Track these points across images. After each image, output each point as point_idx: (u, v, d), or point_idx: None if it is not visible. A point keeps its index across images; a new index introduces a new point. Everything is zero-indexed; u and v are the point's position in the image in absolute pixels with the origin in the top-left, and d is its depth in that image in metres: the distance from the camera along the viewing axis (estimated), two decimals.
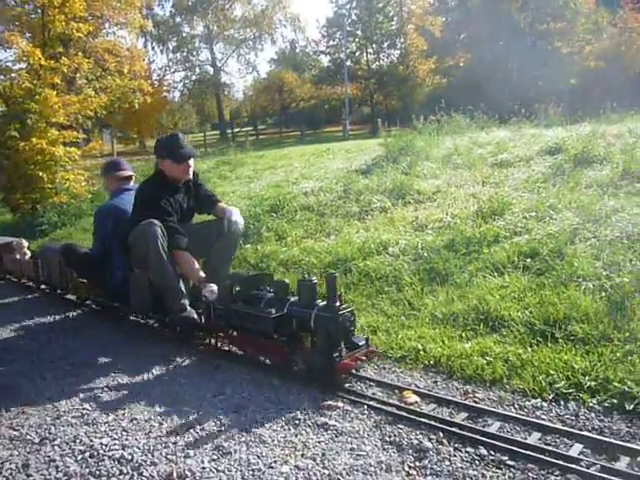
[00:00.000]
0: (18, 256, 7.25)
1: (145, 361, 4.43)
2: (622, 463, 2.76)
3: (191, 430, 3.45)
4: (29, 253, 7.37)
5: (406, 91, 37.65)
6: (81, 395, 4.08)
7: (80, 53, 18.12)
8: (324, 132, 38.23)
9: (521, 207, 6.60)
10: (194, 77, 46.51)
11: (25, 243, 7.47)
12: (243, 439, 3.28)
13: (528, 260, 5.29)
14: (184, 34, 45.53)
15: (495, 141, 10.50)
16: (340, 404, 3.56)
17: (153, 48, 45.10)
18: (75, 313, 5.93)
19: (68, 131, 13.87)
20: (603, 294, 4.53)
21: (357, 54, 43.38)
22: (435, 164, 9.23)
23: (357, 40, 42.69)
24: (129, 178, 5.53)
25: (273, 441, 3.23)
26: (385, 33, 41.64)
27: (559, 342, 4.03)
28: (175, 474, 3.00)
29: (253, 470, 2.98)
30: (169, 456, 3.19)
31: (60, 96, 13.85)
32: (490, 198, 6.87)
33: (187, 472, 3.01)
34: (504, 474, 2.80)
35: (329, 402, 3.58)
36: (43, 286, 6.89)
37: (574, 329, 4.11)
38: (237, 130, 48.10)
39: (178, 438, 3.38)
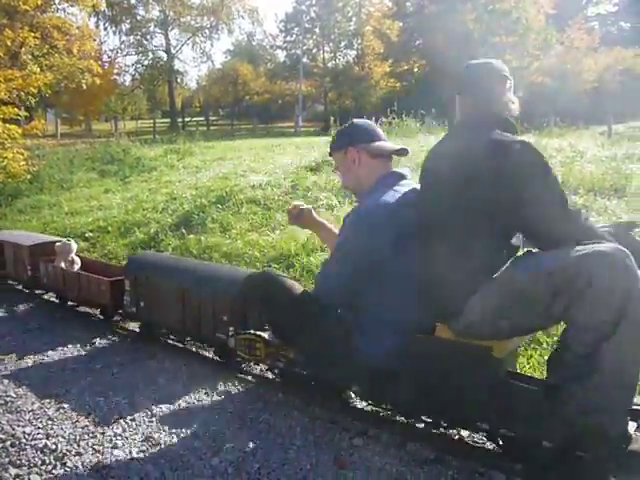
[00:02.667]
0: (63, 264, 5.33)
1: None
2: None
3: (120, 420, 3.38)
4: (78, 262, 5.48)
5: (360, 92, 37.97)
6: (5, 382, 3.92)
7: (26, 27, 17.39)
8: (276, 127, 38.12)
9: None
10: (146, 62, 45.40)
11: (74, 245, 5.48)
12: None
13: None
14: (139, 17, 44.37)
15: None
16: None
17: (105, 28, 43.71)
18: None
19: (8, 107, 13.27)
20: None
21: (314, 51, 43.47)
22: None
23: (314, 37, 42.77)
24: (390, 157, 3.10)
25: None
26: (343, 33, 41.87)
27: None
28: (101, 465, 2.93)
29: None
30: (95, 446, 3.11)
31: (2, 70, 13.24)
32: None
33: (114, 463, 2.94)
34: None
35: None
36: (118, 317, 4.97)
37: None
38: (188, 119, 47.30)
39: (106, 428, 3.30)
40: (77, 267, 5.42)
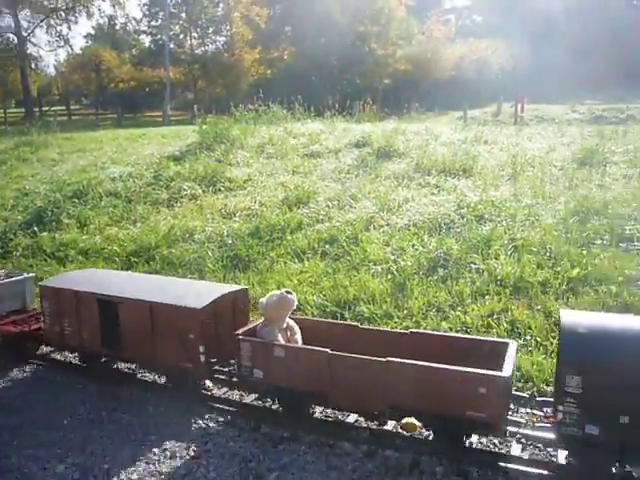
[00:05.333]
0: (281, 337, 3.38)
1: None
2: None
3: None
4: (297, 328, 3.55)
5: (231, 79, 37.44)
6: None
7: None
8: (144, 116, 36.51)
9: (326, 196, 6.93)
10: None
11: (294, 301, 3.52)
12: None
13: (327, 246, 5.58)
14: None
15: (309, 133, 10.86)
16: None
17: None
18: None
19: None
20: (389, 276, 4.95)
21: (181, 37, 42.04)
22: (249, 153, 9.30)
23: (181, 23, 41.37)
24: None
25: None
26: (210, 18, 40.84)
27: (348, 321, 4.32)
28: None
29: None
30: None
31: None
32: (297, 187, 7.11)
33: None
34: None
35: None
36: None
37: (361, 309, 4.44)
38: (46, 108, 43.96)
39: None
40: (298, 338, 3.48)
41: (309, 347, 3.27)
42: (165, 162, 9.13)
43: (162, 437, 3.04)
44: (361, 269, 5.08)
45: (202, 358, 3.36)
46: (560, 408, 2.71)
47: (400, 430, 3.13)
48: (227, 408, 3.33)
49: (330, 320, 4.16)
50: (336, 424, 3.13)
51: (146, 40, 45.19)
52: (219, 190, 7.59)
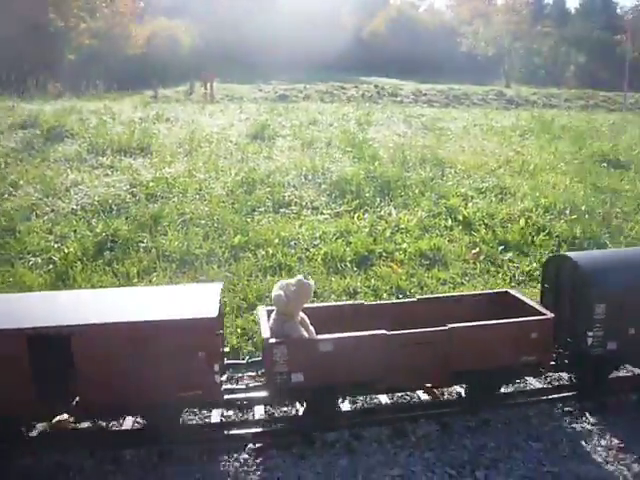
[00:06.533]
0: (305, 331, 3.16)
1: None
2: None
3: None
4: (305, 318, 3.24)
5: None
6: None
7: None
8: None
9: None
10: None
11: (313, 286, 3.28)
12: None
13: None
14: None
15: None
16: None
17: None
18: None
19: None
20: (51, 267, 4.65)
21: None
22: None
23: None
24: None
25: None
26: None
27: None
28: None
29: None
30: None
31: None
32: None
33: None
34: None
35: None
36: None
37: None
38: None
39: None
40: (312, 328, 3.18)
41: (364, 333, 3.17)
42: None
43: None
44: (17, 263, 4.66)
45: (217, 379, 2.80)
46: (590, 334, 3.40)
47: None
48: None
49: (333, 303, 4.11)
50: None
51: None
52: None
